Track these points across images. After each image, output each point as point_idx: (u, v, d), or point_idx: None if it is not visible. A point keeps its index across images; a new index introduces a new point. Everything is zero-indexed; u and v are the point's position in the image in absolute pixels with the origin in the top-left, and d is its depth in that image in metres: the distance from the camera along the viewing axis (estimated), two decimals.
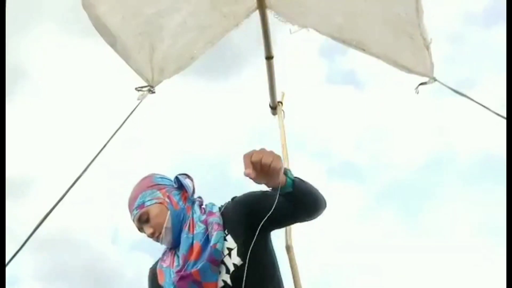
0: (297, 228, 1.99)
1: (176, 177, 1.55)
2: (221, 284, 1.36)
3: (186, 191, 1.53)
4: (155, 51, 2.01)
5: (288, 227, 1.98)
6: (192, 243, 1.41)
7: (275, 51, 2.15)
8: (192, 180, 1.58)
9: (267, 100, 2.41)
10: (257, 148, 1.11)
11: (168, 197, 1.49)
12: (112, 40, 1.95)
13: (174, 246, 1.47)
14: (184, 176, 1.56)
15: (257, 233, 1.25)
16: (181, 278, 1.36)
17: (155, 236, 1.46)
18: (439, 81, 1.79)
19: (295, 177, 1.24)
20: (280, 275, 1.50)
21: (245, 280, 1.30)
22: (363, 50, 1.89)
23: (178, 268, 1.39)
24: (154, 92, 1.96)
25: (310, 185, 1.31)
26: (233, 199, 1.52)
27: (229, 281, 1.36)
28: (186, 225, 1.46)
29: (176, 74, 2.06)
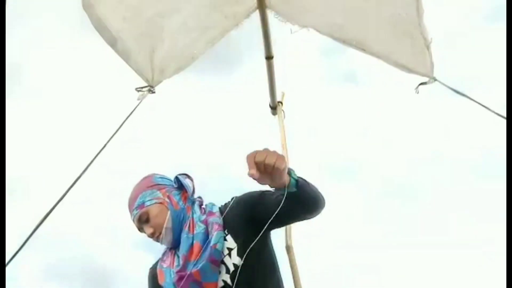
0: (297, 228, 1.99)
1: (176, 177, 1.55)
2: (221, 284, 1.36)
3: (186, 191, 1.53)
4: (155, 51, 2.01)
5: (288, 227, 1.98)
6: (192, 243, 1.41)
7: (275, 51, 2.15)
8: (192, 180, 1.58)
9: (267, 100, 2.41)
10: (259, 149, 1.10)
11: (168, 197, 1.49)
12: (112, 41, 1.95)
13: (174, 246, 1.48)
14: (184, 176, 1.56)
15: (261, 233, 1.26)
16: (181, 278, 1.36)
17: (155, 236, 1.47)
18: (439, 81, 1.79)
19: (298, 177, 1.24)
20: (280, 275, 1.50)
21: (245, 280, 1.30)
22: (363, 50, 1.88)
23: (178, 268, 1.39)
24: (154, 92, 1.96)
25: (312, 185, 1.31)
26: (233, 199, 1.52)
27: (229, 281, 1.36)
28: (186, 225, 1.46)
29: (176, 74, 2.06)
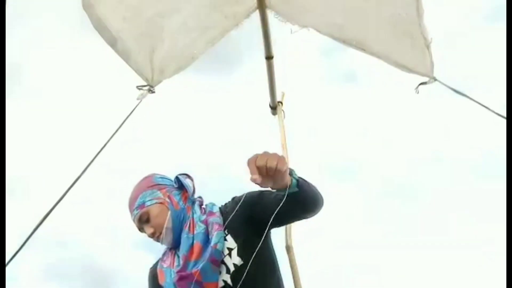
0: (297, 228, 1.99)
1: (177, 177, 1.55)
2: (221, 284, 1.36)
3: (187, 191, 1.53)
4: (155, 51, 2.01)
5: (288, 227, 1.98)
6: (192, 243, 1.41)
7: (275, 51, 2.15)
8: (192, 180, 1.58)
9: (267, 100, 2.41)
10: (259, 152, 1.10)
11: (169, 197, 1.49)
12: (112, 41, 1.95)
13: (174, 246, 1.48)
14: (185, 176, 1.57)
15: (264, 235, 1.26)
16: (182, 278, 1.36)
17: (156, 236, 1.47)
18: (439, 81, 1.79)
19: (299, 177, 1.24)
20: (280, 274, 1.50)
21: (246, 280, 1.30)
22: (363, 50, 1.88)
23: (179, 268, 1.39)
24: (154, 92, 1.96)
25: (311, 184, 1.31)
26: (233, 198, 1.52)
27: (229, 281, 1.36)
28: (187, 225, 1.46)
29: (176, 74, 2.06)
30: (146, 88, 1.94)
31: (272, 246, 1.51)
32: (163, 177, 1.56)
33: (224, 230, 1.42)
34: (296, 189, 1.20)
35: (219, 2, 2.00)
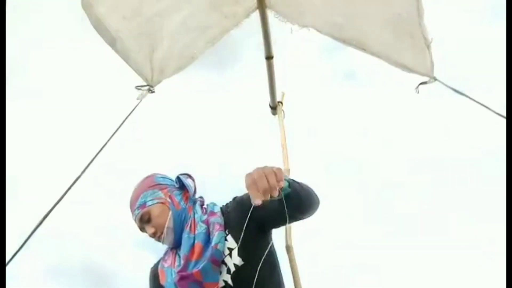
0: (297, 228, 1.99)
1: (178, 177, 1.55)
2: (222, 284, 1.36)
3: (188, 191, 1.53)
4: (155, 51, 2.00)
5: (288, 227, 1.98)
6: (193, 243, 1.41)
7: (275, 51, 2.15)
8: (193, 180, 1.58)
9: (267, 100, 2.41)
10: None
11: (170, 197, 1.49)
12: (111, 40, 1.95)
13: (175, 246, 1.48)
14: (186, 176, 1.57)
15: (268, 239, 1.25)
16: (182, 278, 1.36)
17: (157, 236, 1.47)
18: (439, 81, 1.79)
19: (290, 178, 1.25)
20: (281, 274, 1.50)
21: (246, 280, 1.30)
22: (364, 49, 1.88)
23: (180, 268, 1.39)
24: (153, 92, 1.96)
25: (304, 185, 1.32)
26: (234, 199, 1.52)
27: (229, 281, 1.36)
28: (188, 225, 1.46)
29: (176, 73, 2.06)
30: (146, 88, 1.94)
31: (273, 246, 1.50)
32: (164, 177, 1.56)
33: (225, 230, 1.42)
34: (289, 190, 1.20)
35: (219, 2, 2.00)
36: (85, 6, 1.89)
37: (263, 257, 1.29)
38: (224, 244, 1.39)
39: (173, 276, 1.41)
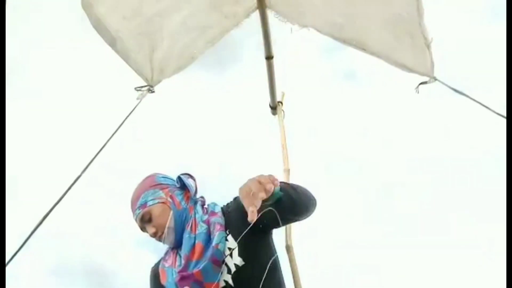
0: (297, 228, 1.99)
1: (179, 177, 1.55)
2: (222, 284, 1.36)
3: (189, 191, 1.53)
4: (155, 51, 2.00)
5: (288, 227, 1.98)
6: (194, 243, 1.41)
7: (275, 51, 2.15)
8: (194, 180, 1.58)
9: (267, 100, 2.41)
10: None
11: (171, 197, 1.49)
12: (111, 40, 1.95)
13: (176, 246, 1.48)
14: (187, 176, 1.57)
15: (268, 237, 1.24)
16: (183, 278, 1.36)
17: (158, 235, 1.47)
18: (439, 81, 1.79)
19: (282, 182, 1.25)
20: (282, 274, 1.50)
21: (247, 280, 1.30)
22: (364, 49, 1.88)
23: (180, 268, 1.39)
24: (153, 92, 1.96)
25: (297, 186, 1.33)
26: (235, 199, 1.52)
27: (230, 281, 1.36)
28: (189, 225, 1.46)
29: (176, 73, 2.06)
30: (146, 88, 1.94)
31: (274, 246, 1.51)
32: (165, 177, 1.56)
33: (226, 230, 1.42)
34: (280, 194, 1.20)
35: (219, 2, 2.00)
36: (85, 6, 1.89)
37: (257, 253, 1.29)
38: (224, 244, 1.39)
39: (174, 276, 1.41)
